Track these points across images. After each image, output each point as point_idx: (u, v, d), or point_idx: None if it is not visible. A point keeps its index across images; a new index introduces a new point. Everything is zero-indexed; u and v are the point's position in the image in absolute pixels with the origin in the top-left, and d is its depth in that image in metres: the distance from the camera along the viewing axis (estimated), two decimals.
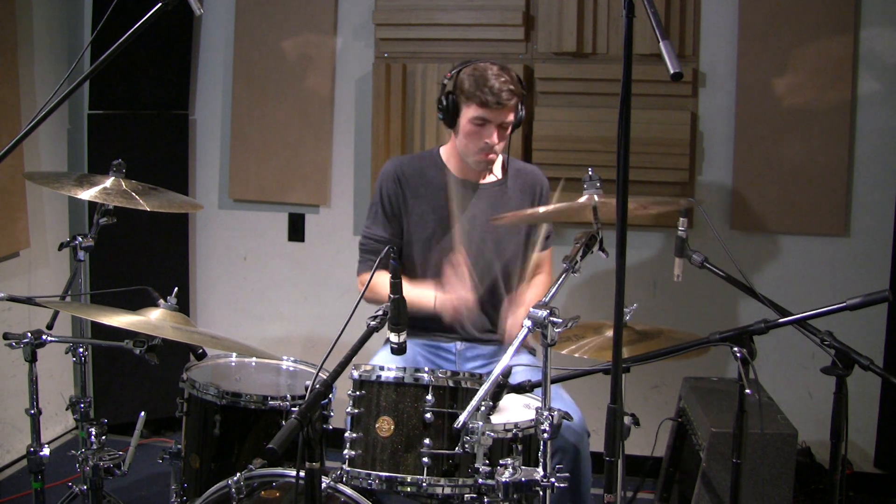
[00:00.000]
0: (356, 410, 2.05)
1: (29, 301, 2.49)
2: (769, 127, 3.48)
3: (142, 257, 3.90)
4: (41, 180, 2.82)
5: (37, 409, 2.39)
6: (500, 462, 1.93)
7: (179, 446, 2.41)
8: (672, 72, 1.45)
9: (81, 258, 2.59)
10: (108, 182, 2.51)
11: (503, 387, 2.07)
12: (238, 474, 2.08)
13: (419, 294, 2.67)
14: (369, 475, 2.00)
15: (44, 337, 2.35)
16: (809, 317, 2.11)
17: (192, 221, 4.10)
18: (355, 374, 2.07)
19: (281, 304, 4.04)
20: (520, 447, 2.06)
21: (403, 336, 2.03)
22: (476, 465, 1.98)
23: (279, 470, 2.10)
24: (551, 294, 1.98)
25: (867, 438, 3.52)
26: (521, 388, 2.18)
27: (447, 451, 2.00)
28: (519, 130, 3.54)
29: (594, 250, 2.14)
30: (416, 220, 2.81)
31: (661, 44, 1.47)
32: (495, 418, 2.10)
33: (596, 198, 2.18)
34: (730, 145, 3.54)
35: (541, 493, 1.87)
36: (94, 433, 2.48)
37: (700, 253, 2.48)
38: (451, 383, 2.04)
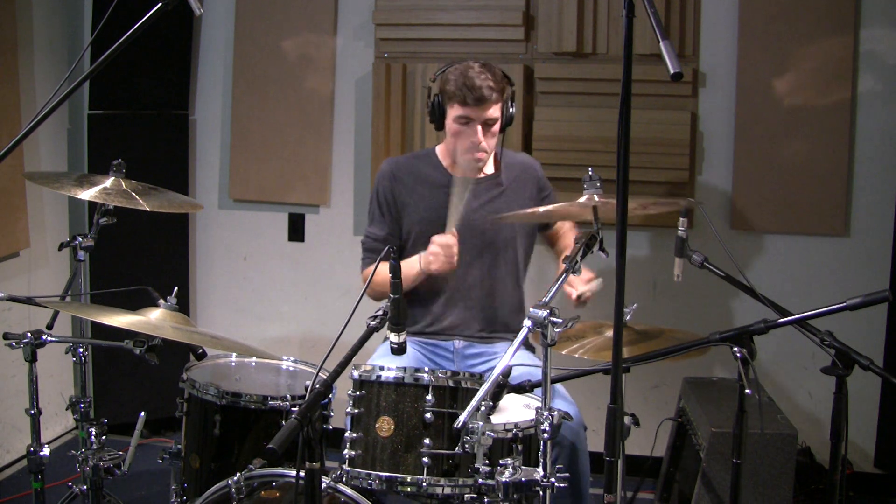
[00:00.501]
0: (356, 410, 2.05)
1: (29, 301, 2.49)
2: (769, 127, 3.47)
3: (142, 257, 3.90)
4: (41, 180, 2.83)
5: (37, 409, 2.39)
6: (500, 462, 1.93)
7: (179, 446, 2.41)
8: (672, 72, 1.45)
9: (81, 258, 2.59)
10: (108, 182, 2.51)
11: (503, 387, 2.07)
12: (238, 474, 2.08)
13: (406, 265, 2.66)
14: (369, 475, 2.00)
15: (44, 337, 2.35)
16: (809, 317, 2.11)
17: (192, 221, 4.10)
18: (355, 374, 2.07)
19: (281, 304, 4.04)
20: (520, 447, 2.07)
21: (403, 336, 2.03)
22: (476, 465, 1.98)
23: (279, 470, 2.10)
24: (551, 294, 1.98)
25: (867, 438, 3.52)
26: (521, 388, 2.18)
27: (447, 451, 2.00)
28: (519, 130, 3.57)
29: (594, 250, 2.14)
30: (415, 218, 2.82)
31: (661, 44, 1.47)
32: (495, 418, 2.10)
33: (596, 198, 2.18)
34: (730, 145, 3.54)
35: (541, 492, 1.87)
36: (94, 433, 2.48)
37: (700, 253, 2.48)
38: (451, 383, 2.04)
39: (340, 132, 3.90)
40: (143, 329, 2.13)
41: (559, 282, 2.03)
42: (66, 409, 2.54)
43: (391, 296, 2.02)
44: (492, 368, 2.50)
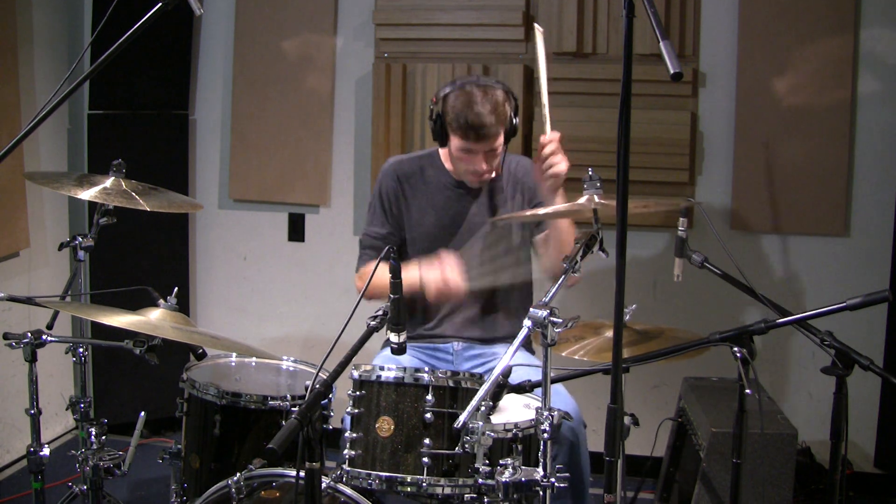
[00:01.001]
0: (356, 410, 2.05)
1: (29, 301, 2.49)
2: (769, 127, 3.47)
3: (142, 257, 3.90)
4: (41, 180, 2.82)
5: (37, 409, 2.39)
6: (500, 462, 1.93)
7: (179, 446, 2.41)
8: (672, 72, 1.45)
9: (81, 258, 2.59)
10: (108, 182, 2.51)
11: (503, 387, 2.07)
12: (238, 474, 2.08)
13: (407, 276, 2.63)
14: (369, 475, 2.00)
15: (44, 337, 2.35)
16: (809, 317, 2.11)
17: (192, 221, 4.10)
18: (355, 374, 2.07)
19: (281, 304, 4.04)
20: (520, 447, 2.07)
21: (403, 336, 2.03)
22: (476, 465, 1.98)
23: (279, 470, 2.10)
24: (551, 294, 1.98)
25: (867, 438, 3.52)
26: (521, 388, 2.18)
27: (447, 451, 2.00)
28: (519, 130, 3.56)
29: (594, 250, 2.14)
30: (415, 218, 2.82)
31: (661, 44, 1.47)
32: (495, 418, 2.10)
33: (596, 198, 2.18)
34: (730, 145, 3.54)
35: (541, 492, 1.87)
36: (94, 433, 2.48)
37: (700, 253, 2.48)
38: (451, 383, 2.04)
39: (340, 132, 3.90)
40: (143, 329, 2.12)
41: (559, 282, 2.03)
42: (66, 409, 2.54)
43: (391, 296, 2.02)
44: (491, 369, 2.50)
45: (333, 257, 3.94)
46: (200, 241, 4.11)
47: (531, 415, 1.97)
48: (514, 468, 1.90)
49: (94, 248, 2.60)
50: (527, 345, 2.82)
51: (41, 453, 2.37)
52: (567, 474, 1.91)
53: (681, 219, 2.49)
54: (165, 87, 3.94)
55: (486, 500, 1.97)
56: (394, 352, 2.04)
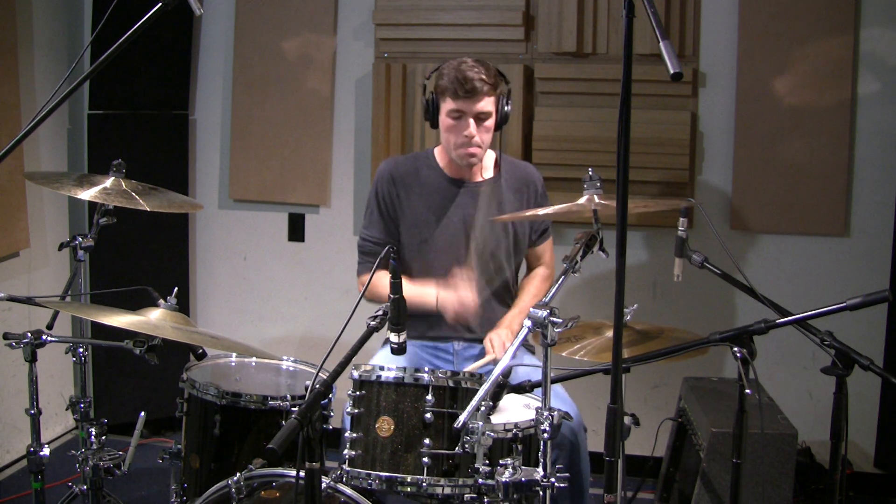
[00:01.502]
0: (356, 410, 2.05)
1: (29, 301, 2.49)
2: (769, 127, 3.47)
3: (142, 257, 3.90)
4: (41, 180, 2.82)
5: (37, 409, 2.39)
6: (500, 462, 1.93)
7: (179, 446, 2.41)
8: (672, 72, 1.45)
9: (81, 258, 2.59)
10: (108, 182, 2.51)
11: (503, 387, 2.08)
12: (238, 474, 2.08)
13: (421, 292, 2.68)
14: (369, 475, 2.00)
15: (44, 337, 2.35)
16: (809, 317, 2.11)
17: (192, 221, 4.10)
18: (355, 374, 2.07)
19: (281, 304, 4.04)
20: (520, 447, 2.06)
21: (403, 336, 2.03)
22: (476, 465, 1.98)
23: (279, 470, 2.10)
24: (551, 294, 1.98)
25: (867, 438, 3.52)
26: (521, 388, 2.18)
27: (447, 451, 2.00)
28: (519, 130, 3.57)
29: (594, 250, 2.14)
30: (412, 220, 2.82)
31: (661, 44, 1.47)
32: (495, 418, 2.10)
33: (596, 198, 2.18)
34: (730, 145, 3.54)
35: (541, 493, 1.87)
36: (94, 433, 2.49)
37: (700, 253, 2.48)
38: (451, 383, 2.04)
39: (340, 132, 3.90)
40: (143, 329, 2.12)
41: (559, 282, 2.03)
42: (66, 409, 2.54)
43: (391, 296, 2.02)
44: (491, 369, 2.51)
45: (333, 257, 3.94)
46: (200, 241, 4.11)
47: (531, 415, 1.97)
48: (514, 468, 1.90)
49: (94, 248, 2.60)
50: (527, 345, 2.83)
51: (41, 453, 2.37)
52: (567, 475, 1.91)
53: (681, 219, 2.49)
54: (165, 87, 3.94)
55: (486, 500, 1.97)
56: (394, 352, 2.05)
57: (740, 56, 3.49)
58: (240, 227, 4.05)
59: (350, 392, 2.07)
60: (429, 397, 2.00)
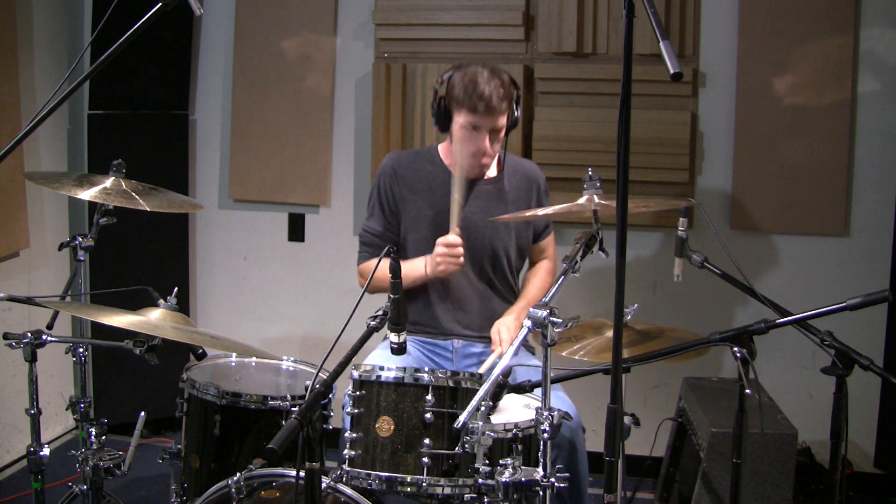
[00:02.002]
0: (356, 410, 2.05)
1: (29, 301, 2.49)
2: (769, 127, 3.47)
3: (142, 257, 3.90)
4: (41, 180, 2.82)
5: (37, 409, 2.39)
6: (500, 462, 1.93)
7: (179, 446, 2.41)
8: (672, 72, 1.45)
9: (81, 258, 2.59)
10: (108, 182, 2.51)
11: (503, 387, 2.07)
12: (238, 474, 2.08)
13: (410, 267, 2.69)
14: (369, 475, 2.00)
15: (44, 337, 2.35)
16: (809, 317, 2.11)
17: (192, 221, 4.10)
18: (355, 374, 2.07)
19: (281, 304, 4.04)
20: (520, 447, 2.06)
21: (403, 336, 2.03)
22: (476, 465, 1.98)
23: (279, 470, 2.10)
24: (551, 294, 1.98)
25: (867, 438, 3.52)
26: (521, 388, 2.18)
27: (447, 451, 2.00)
28: (519, 130, 3.57)
29: (594, 250, 2.14)
30: (413, 215, 2.83)
31: (661, 44, 1.47)
32: (495, 418, 2.10)
33: (596, 198, 2.18)
34: (730, 145, 3.54)
35: (541, 493, 1.87)
36: (94, 433, 2.49)
37: (700, 253, 2.48)
38: (451, 383, 2.03)
39: (340, 132, 3.90)
40: (143, 329, 2.13)
41: (559, 282, 2.03)
42: (66, 409, 2.54)
43: (391, 296, 2.02)
44: (491, 368, 2.51)
45: (333, 257, 3.94)
46: (200, 241, 4.11)
47: (531, 415, 1.97)
48: (514, 468, 1.90)
49: (94, 248, 2.60)
50: (527, 345, 2.83)
51: (41, 453, 2.37)
52: (567, 475, 1.91)
53: (681, 219, 2.49)
54: (165, 87, 3.94)
55: (486, 500, 1.97)
56: (394, 352, 2.05)
57: (740, 56, 3.49)
58: (240, 227, 4.05)
59: (350, 392, 2.07)
60: (429, 397, 2.00)
